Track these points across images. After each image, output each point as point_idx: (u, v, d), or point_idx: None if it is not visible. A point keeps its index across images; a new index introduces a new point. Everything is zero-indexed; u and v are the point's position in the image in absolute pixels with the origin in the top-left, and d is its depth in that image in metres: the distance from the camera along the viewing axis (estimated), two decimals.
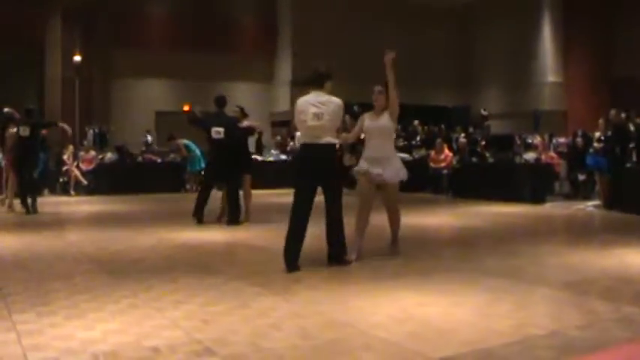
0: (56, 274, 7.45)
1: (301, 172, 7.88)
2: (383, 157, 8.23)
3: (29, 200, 13.82)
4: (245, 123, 12.20)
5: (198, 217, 12.00)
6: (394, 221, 8.63)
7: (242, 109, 12.46)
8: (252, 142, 13.45)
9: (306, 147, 7.88)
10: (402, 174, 8.36)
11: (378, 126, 8.26)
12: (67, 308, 5.76)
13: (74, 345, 4.73)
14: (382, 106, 8.31)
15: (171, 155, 21.74)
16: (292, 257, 7.61)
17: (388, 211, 8.54)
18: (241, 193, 12.19)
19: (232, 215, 11.87)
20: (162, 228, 11.48)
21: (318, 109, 7.66)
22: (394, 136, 8.78)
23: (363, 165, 8.30)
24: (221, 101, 12.25)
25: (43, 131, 15.25)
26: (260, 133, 16.43)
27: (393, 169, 8.27)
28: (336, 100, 7.80)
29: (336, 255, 7.90)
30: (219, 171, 12.05)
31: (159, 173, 20.19)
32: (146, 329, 5.15)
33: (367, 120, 8.34)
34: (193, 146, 20.17)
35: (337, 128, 8.03)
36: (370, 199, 8.37)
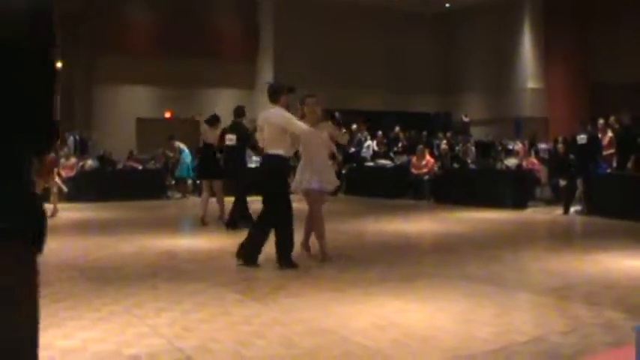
0: None
1: (259, 181, 8.43)
2: (316, 167, 8.34)
3: None
4: None
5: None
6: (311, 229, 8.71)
7: None
8: None
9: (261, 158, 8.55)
10: (324, 185, 8.42)
11: (316, 136, 8.41)
12: (45, 317, 5.65)
13: (53, 354, 4.67)
14: (319, 117, 8.54)
15: (152, 162, 21.67)
16: (247, 255, 8.16)
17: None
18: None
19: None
20: (144, 235, 11.42)
21: (261, 122, 8.25)
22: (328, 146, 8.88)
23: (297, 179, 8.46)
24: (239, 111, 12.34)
25: None
26: None
27: (319, 178, 8.34)
28: (277, 112, 8.09)
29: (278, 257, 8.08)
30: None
31: (140, 180, 20.07)
32: (127, 337, 5.11)
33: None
34: (186, 152, 20.21)
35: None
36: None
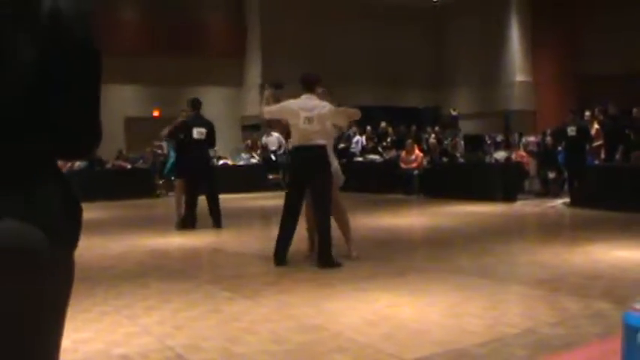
0: None
1: (295, 172, 8.18)
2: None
3: None
4: None
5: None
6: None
7: None
8: None
9: (299, 149, 8.12)
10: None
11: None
12: None
13: None
14: None
15: (141, 161, 21.62)
16: (282, 254, 7.99)
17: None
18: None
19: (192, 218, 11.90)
20: (133, 234, 11.40)
21: (309, 113, 7.92)
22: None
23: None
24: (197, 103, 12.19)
25: None
26: None
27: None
28: (327, 105, 8.06)
29: (319, 256, 7.93)
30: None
31: (129, 180, 20.03)
32: (117, 337, 5.10)
33: None
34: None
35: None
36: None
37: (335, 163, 8.43)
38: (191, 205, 11.86)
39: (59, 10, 1.55)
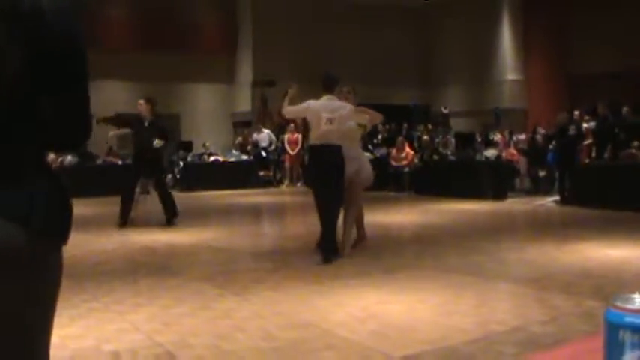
0: None
1: (317, 173, 8.22)
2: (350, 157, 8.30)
3: None
4: None
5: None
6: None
7: None
8: None
9: (316, 148, 8.16)
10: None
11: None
12: None
13: None
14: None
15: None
16: (326, 251, 7.96)
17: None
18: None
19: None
20: (123, 230, 11.37)
21: (331, 114, 7.95)
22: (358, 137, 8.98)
23: None
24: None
25: None
26: None
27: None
28: (347, 106, 8.12)
29: (323, 250, 7.99)
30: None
31: (120, 176, 19.95)
32: (106, 333, 5.08)
33: None
34: None
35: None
36: None
37: (363, 158, 8.60)
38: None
39: (40, 6, 1.52)
